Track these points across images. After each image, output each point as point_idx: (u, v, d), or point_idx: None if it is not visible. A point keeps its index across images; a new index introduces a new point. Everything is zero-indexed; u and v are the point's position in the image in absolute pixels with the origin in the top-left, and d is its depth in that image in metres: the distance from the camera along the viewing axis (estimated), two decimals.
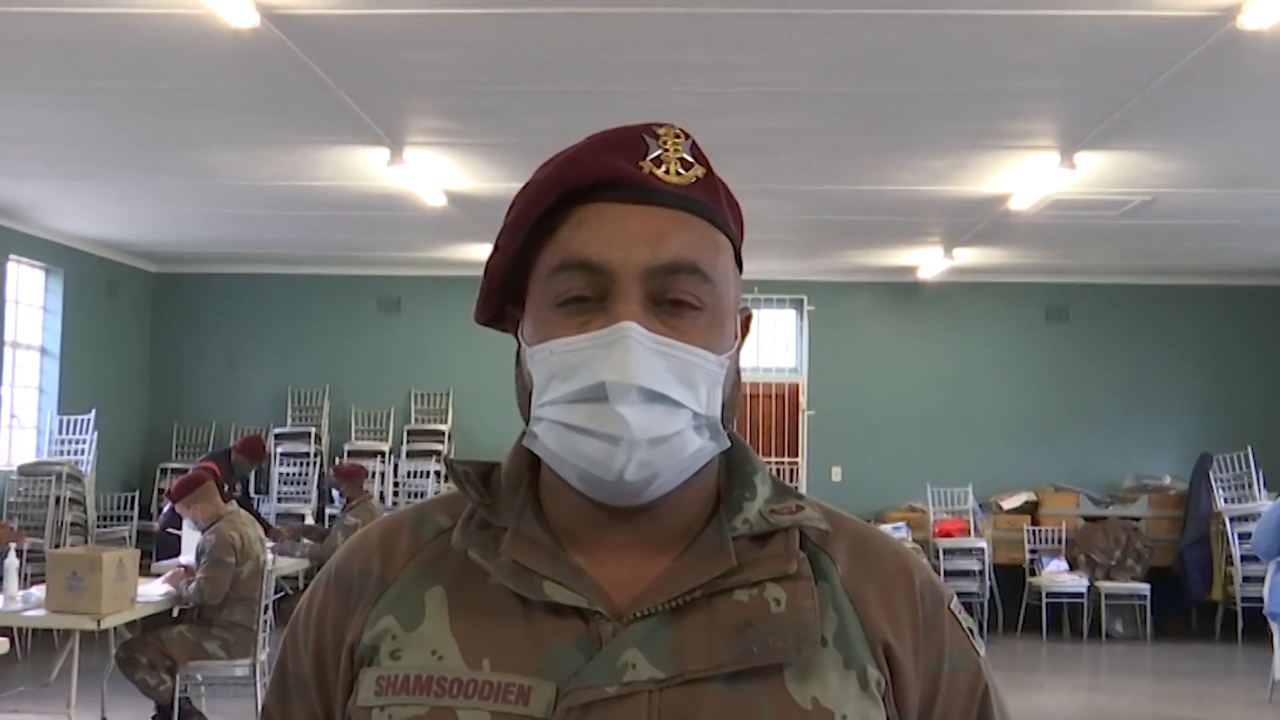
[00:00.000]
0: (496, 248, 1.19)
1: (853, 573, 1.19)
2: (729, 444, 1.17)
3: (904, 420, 12.91)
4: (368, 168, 8.33)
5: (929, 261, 12.15)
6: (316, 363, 13.14)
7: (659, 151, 1.16)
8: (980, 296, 13.06)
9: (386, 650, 1.15)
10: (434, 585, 1.18)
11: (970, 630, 1.25)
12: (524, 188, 1.18)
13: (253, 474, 11.69)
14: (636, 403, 1.08)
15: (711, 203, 1.18)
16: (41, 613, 6.60)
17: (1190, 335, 12.93)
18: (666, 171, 1.15)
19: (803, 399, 13.13)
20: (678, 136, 1.18)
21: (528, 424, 1.16)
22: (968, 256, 11.73)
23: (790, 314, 13.36)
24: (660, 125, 1.18)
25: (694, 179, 1.17)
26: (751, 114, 7.10)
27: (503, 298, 1.23)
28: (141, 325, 13.19)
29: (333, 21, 5.62)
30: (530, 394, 1.16)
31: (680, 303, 1.13)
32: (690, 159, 1.17)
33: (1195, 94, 6.49)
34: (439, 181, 8.78)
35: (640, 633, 1.11)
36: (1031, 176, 8.35)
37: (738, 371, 1.20)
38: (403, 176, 8.42)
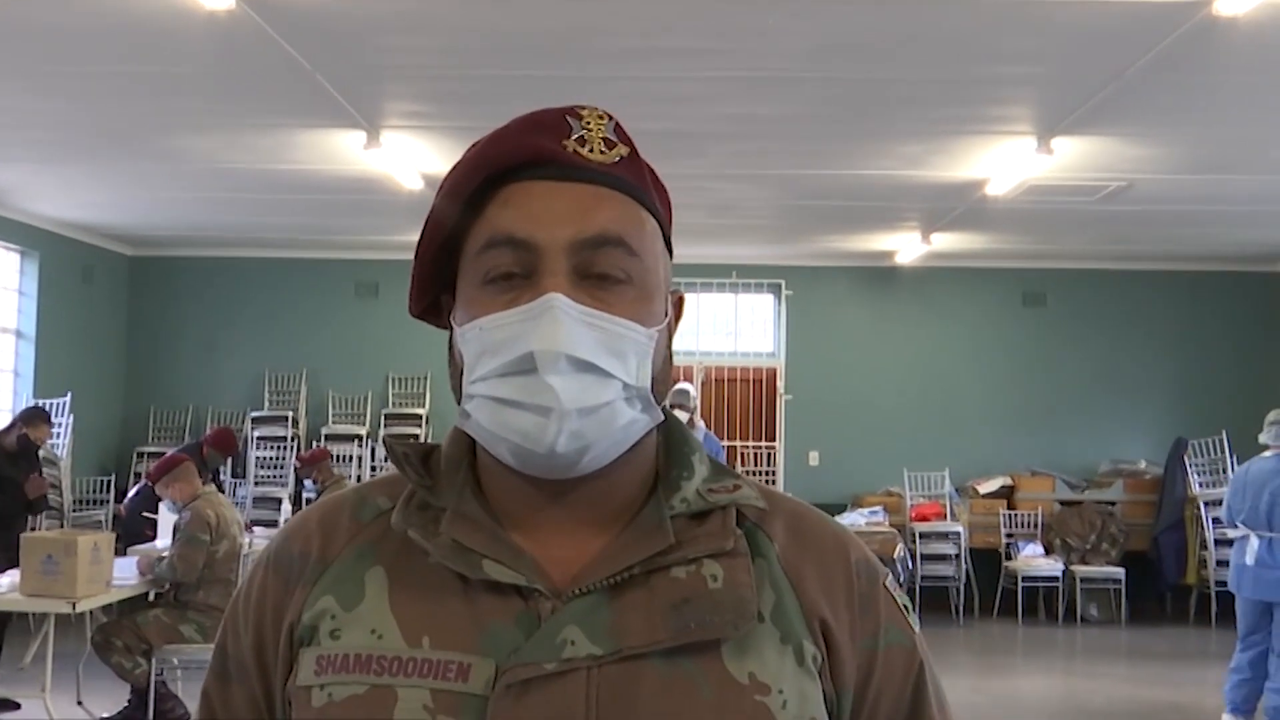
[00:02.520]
0: (424, 231, 1.20)
1: (790, 550, 1.21)
2: (662, 417, 1.19)
3: (881, 404, 12.94)
4: (344, 151, 8.31)
5: (907, 246, 12.17)
6: (294, 346, 13.11)
7: (582, 131, 1.18)
8: (958, 281, 13.09)
9: (326, 630, 1.15)
10: (374, 565, 1.18)
11: (905, 607, 1.26)
12: (450, 170, 1.20)
13: (228, 462, 11.66)
14: (566, 372, 1.10)
15: (636, 181, 1.20)
16: (16, 596, 6.58)
17: (1166, 320, 12.99)
18: (590, 150, 1.17)
19: (780, 383, 13.15)
20: (601, 118, 1.20)
21: (459, 405, 1.17)
22: (945, 241, 11.76)
23: (768, 298, 13.37)
24: (583, 107, 1.21)
25: (618, 158, 1.19)
26: (729, 99, 7.10)
27: (436, 285, 1.23)
28: (117, 309, 13.13)
29: (309, 4, 5.59)
30: (462, 376, 1.16)
31: (607, 276, 1.14)
32: (614, 139, 1.20)
33: (1171, 80, 6.52)
34: (416, 165, 8.76)
35: (579, 610, 1.11)
36: (1008, 162, 8.37)
37: (669, 349, 1.22)
38: (380, 160, 8.39)
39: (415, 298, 1.25)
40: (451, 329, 1.20)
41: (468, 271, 1.17)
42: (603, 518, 1.18)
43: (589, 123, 1.19)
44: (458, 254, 1.19)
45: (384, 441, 1.26)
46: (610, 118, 1.21)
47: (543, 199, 1.14)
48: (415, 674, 1.10)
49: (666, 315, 1.21)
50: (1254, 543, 7.49)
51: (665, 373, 1.20)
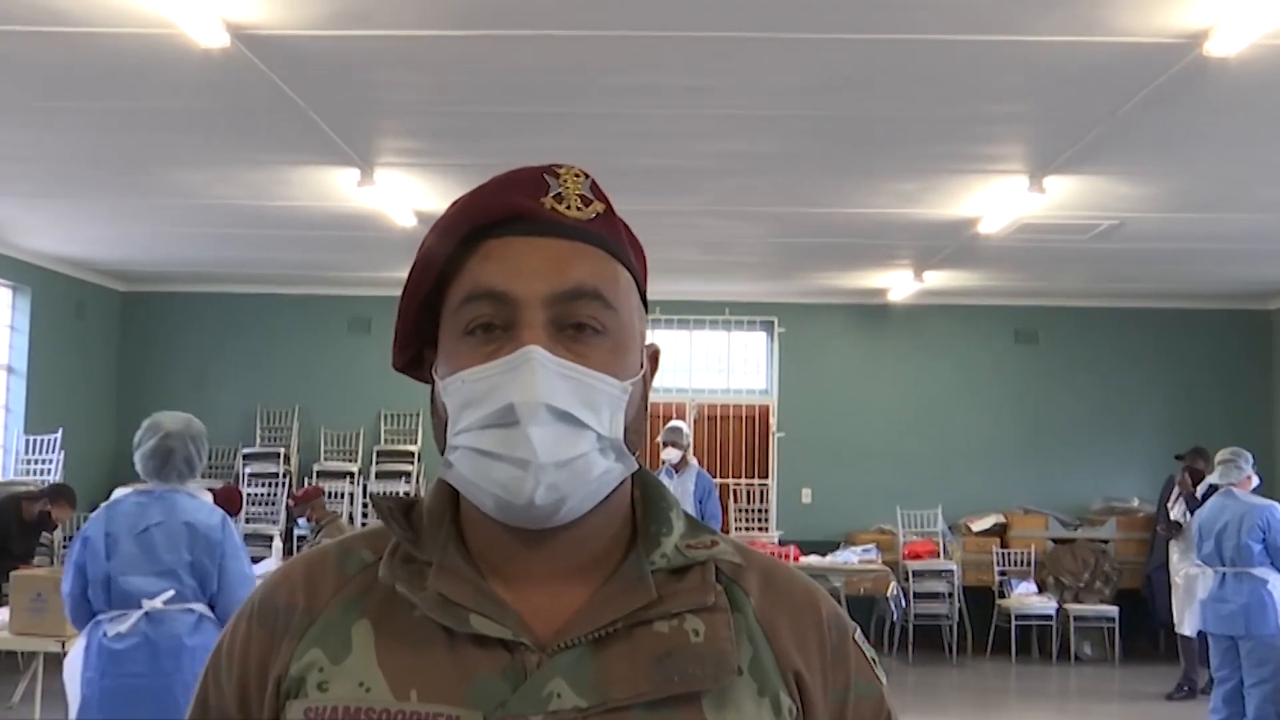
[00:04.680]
0: (407, 286, 1.24)
1: (764, 604, 1.25)
2: (635, 466, 1.22)
3: (874, 442, 12.93)
4: (338, 188, 8.31)
5: (899, 284, 12.18)
6: (286, 383, 13.09)
7: (559, 189, 1.22)
8: (950, 318, 13.11)
9: (314, 682, 1.17)
10: (360, 619, 1.20)
11: (873, 660, 1.31)
12: (432, 227, 1.24)
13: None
14: (545, 423, 1.13)
15: (612, 237, 1.24)
16: (5, 634, 6.53)
17: (1158, 358, 13.01)
18: (568, 207, 1.21)
19: (773, 420, 13.14)
20: (577, 176, 1.24)
21: (443, 455, 1.20)
22: (938, 279, 11.78)
23: (761, 335, 13.37)
24: (560, 166, 1.25)
25: (594, 214, 1.23)
26: (722, 136, 7.11)
27: (418, 340, 1.27)
28: (109, 344, 13.11)
29: (303, 42, 5.61)
30: (446, 427, 1.20)
31: (583, 327, 1.18)
32: (590, 196, 1.24)
33: (1163, 120, 6.54)
34: (409, 202, 8.76)
35: (564, 663, 1.14)
36: (1001, 200, 8.39)
37: (644, 400, 1.26)
38: (373, 197, 8.40)
39: (398, 351, 1.29)
40: (434, 382, 1.23)
41: (449, 324, 1.21)
42: (581, 567, 1.21)
43: (566, 180, 1.23)
44: (439, 308, 1.23)
45: (370, 497, 1.28)
46: (587, 176, 1.25)
47: (521, 253, 1.18)
48: None
49: (642, 367, 1.25)
50: (1210, 578, 7.62)
51: (639, 423, 1.24)
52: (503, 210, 1.20)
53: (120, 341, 13.25)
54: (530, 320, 1.15)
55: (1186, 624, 9.71)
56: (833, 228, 9.67)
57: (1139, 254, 10.36)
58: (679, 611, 1.18)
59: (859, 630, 1.31)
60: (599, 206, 1.23)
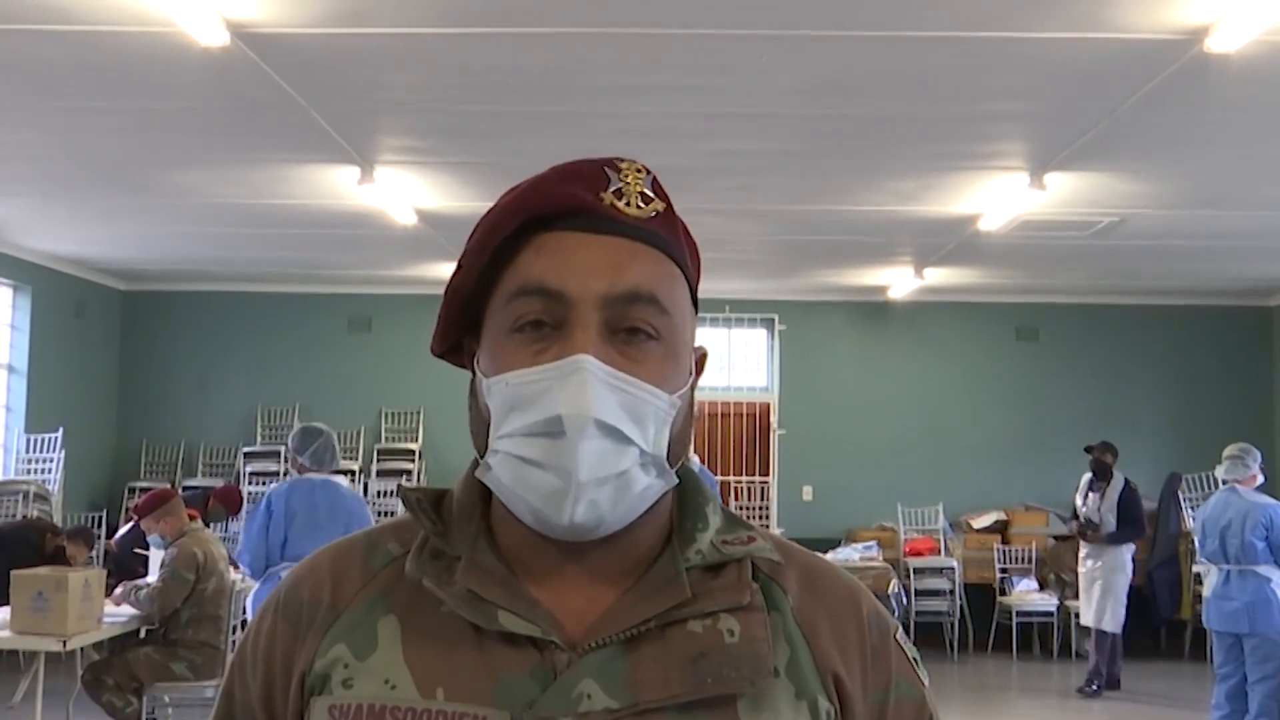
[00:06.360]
0: (458, 271, 1.20)
1: (803, 603, 1.21)
2: (676, 481, 1.18)
3: (875, 439, 12.93)
4: (338, 186, 8.30)
5: (900, 281, 12.18)
6: (287, 381, 13.08)
7: (620, 185, 1.18)
8: (950, 316, 13.11)
9: (338, 679, 1.15)
10: (387, 614, 1.17)
11: (915, 660, 1.27)
12: (486, 214, 1.19)
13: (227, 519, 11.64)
14: (591, 436, 1.09)
15: (670, 237, 1.20)
16: (6, 633, 6.53)
17: (1159, 355, 13.01)
18: (627, 204, 1.17)
19: (774, 418, 13.14)
20: (639, 171, 1.20)
21: (482, 456, 1.17)
22: (938, 276, 11.77)
23: (761, 333, 13.37)
24: (622, 160, 1.20)
25: (654, 213, 1.18)
26: (722, 135, 7.11)
27: (461, 328, 1.23)
28: (110, 343, 13.10)
29: (304, 40, 5.60)
30: (487, 425, 1.16)
31: (636, 331, 1.13)
32: (651, 194, 1.19)
33: (1163, 116, 6.54)
34: (410, 200, 8.76)
35: (595, 663, 1.11)
36: (1001, 197, 8.39)
37: (691, 407, 1.21)
38: (373, 195, 8.39)
39: (439, 338, 1.25)
40: (474, 373, 1.20)
41: (495, 317, 1.16)
42: (618, 571, 1.18)
43: (627, 176, 1.19)
44: (486, 298, 1.18)
45: (398, 489, 1.26)
46: (648, 172, 1.21)
47: (577, 250, 1.14)
48: None
49: (690, 374, 1.20)
50: (1214, 575, 7.64)
51: (684, 435, 1.19)
52: (562, 202, 1.15)
53: (121, 340, 13.24)
54: (583, 321, 1.11)
55: (1092, 617, 10.26)
56: (833, 225, 9.67)
57: (1140, 251, 10.36)
58: (714, 611, 1.15)
59: (900, 629, 1.28)
60: (659, 205, 1.19)
